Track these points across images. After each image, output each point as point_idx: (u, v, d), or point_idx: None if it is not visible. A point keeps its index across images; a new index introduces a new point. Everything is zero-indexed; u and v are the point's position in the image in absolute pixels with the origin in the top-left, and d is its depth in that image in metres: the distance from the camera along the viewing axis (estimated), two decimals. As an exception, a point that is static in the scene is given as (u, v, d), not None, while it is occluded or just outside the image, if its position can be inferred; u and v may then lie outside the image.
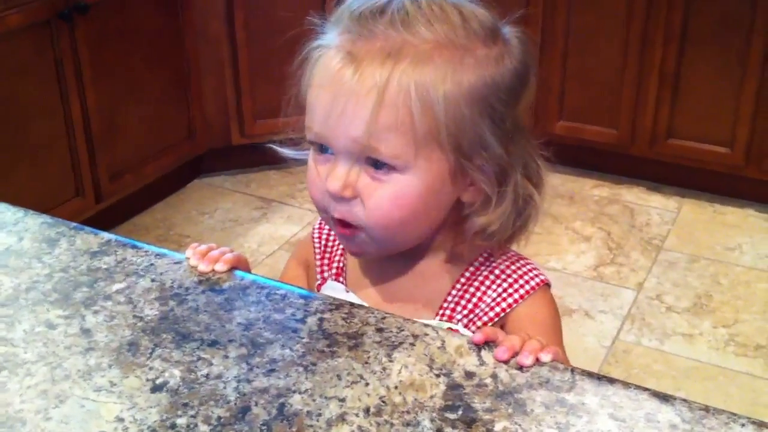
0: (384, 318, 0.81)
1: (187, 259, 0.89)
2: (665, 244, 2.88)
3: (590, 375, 0.74)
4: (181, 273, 0.88)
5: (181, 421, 0.69)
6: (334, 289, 0.98)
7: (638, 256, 2.81)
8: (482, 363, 0.75)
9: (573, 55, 3.09)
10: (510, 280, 0.93)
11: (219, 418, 0.69)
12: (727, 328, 2.48)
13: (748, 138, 2.92)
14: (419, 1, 0.84)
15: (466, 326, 0.93)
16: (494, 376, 0.74)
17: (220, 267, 0.88)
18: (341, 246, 1.00)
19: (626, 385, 0.72)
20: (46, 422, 0.69)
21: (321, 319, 0.81)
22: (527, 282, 0.92)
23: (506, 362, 0.75)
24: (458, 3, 0.85)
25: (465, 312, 0.93)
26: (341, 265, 1.00)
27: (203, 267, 0.88)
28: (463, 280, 0.94)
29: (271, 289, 0.86)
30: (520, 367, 0.75)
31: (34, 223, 0.97)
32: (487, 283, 0.93)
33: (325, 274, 1.01)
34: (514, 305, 0.92)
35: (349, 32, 0.84)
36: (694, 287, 2.66)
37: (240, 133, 3.18)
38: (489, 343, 0.78)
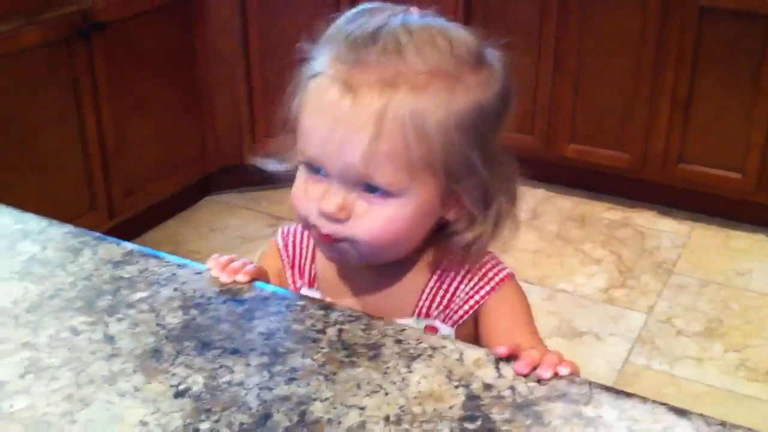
0: (402, 330, 0.82)
1: (209, 269, 0.91)
2: (676, 267, 2.88)
3: (608, 389, 0.74)
4: (203, 283, 0.89)
5: (204, 426, 0.70)
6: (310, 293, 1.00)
7: (649, 280, 2.82)
8: (500, 375, 0.76)
9: (585, 78, 3.11)
10: (480, 273, 0.96)
11: (241, 424, 0.70)
12: (738, 353, 2.47)
13: (759, 164, 2.93)
14: (409, 28, 0.85)
15: (443, 321, 0.97)
16: (512, 389, 0.75)
17: (241, 278, 0.89)
18: (310, 253, 1.02)
19: (643, 399, 0.73)
20: (71, 425, 0.70)
21: (340, 330, 0.82)
22: (496, 275, 0.96)
23: (526, 376, 0.76)
24: (445, 27, 0.88)
25: (441, 308, 0.97)
26: (313, 272, 1.02)
27: (225, 278, 0.89)
28: (435, 277, 0.97)
29: (291, 300, 0.87)
30: (538, 380, 0.75)
31: (57, 232, 0.98)
32: (459, 278, 0.96)
33: (298, 283, 1.03)
34: (486, 297, 0.96)
35: (343, 60, 0.85)
36: (704, 311, 2.66)
37: (252, 151, 3.20)
38: (508, 358, 0.79)
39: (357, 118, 0.83)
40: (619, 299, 2.72)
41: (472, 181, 0.89)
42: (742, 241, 3.03)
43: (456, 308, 0.96)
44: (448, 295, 0.97)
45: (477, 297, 0.96)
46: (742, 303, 2.70)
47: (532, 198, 3.23)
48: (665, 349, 2.49)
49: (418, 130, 0.84)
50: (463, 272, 0.96)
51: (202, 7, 2.98)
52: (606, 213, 3.21)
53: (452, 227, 0.92)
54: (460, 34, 0.88)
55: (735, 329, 2.58)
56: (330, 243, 0.90)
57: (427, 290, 0.97)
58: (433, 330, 0.96)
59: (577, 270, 2.87)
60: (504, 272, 0.97)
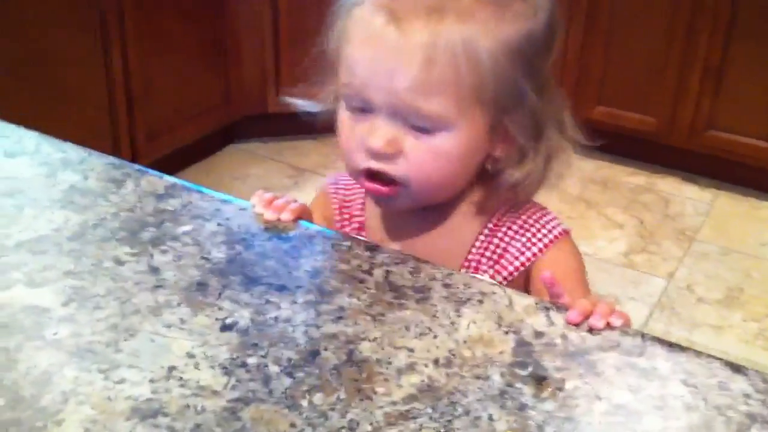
0: (450, 274, 0.81)
1: (253, 206, 0.89)
2: (698, 235, 2.86)
3: (661, 341, 0.73)
4: (247, 219, 0.88)
5: (252, 361, 0.69)
6: None
7: (670, 246, 2.80)
8: (551, 323, 0.75)
9: (616, 40, 3.06)
10: (533, 230, 0.94)
11: (289, 359, 0.69)
12: (757, 322, 2.46)
13: (789, 134, 2.89)
14: None
15: (492, 277, 0.94)
16: (564, 337, 0.73)
17: (285, 216, 0.87)
18: (359, 201, 1.01)
19: (698, 353, 0.72)
20: (116, 354, 0.69)
21: (387, 272, 0.81)
22: (550, 231, 0.94)
23: (578, 325, 0.74)
24: None
25: (490, 263, 0.94)
26: (361, 219, 1.00)
27: (269, 215, 0.88)
28: (486, 231, 0.95)
29: (336, 240, 0.86)
30: (590, 330, 0.74)
31: (99, 163, 0.97)
32: (510, 233, 0.94)
33: (347, 230, 1.01)
34: (539, 254, 0.93)
35: None
36: (725, 279, 2.64)
37: (276, 100, 3.18)
38: (557, 306, 0.77)
39: (405, 46, 0.81)
40: (640, 264, 2.71)
41: (522, 111, 0.87)
42: (767, 211, 3.00)
43: (507, 264, 0.94)
44: (500, 250, 0.94)
45: (529, 253, 0.93)
46: (763, 273, 2.68)
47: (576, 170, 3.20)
48: (684, 315, 2.48)
49: (468, 58, 0.82)
50: (516, 226, 0.94)
51: (231, -50, 2.95)
52: (629, 177, 3.18)
53: (500, 165, 0.90)
54: None
55: (755, 298, 2.56)
56: (380, 187, 0.88)
57: (478, 243, 0.95)
58: None
59: (598, 233, 2.85)
60: (559, 228, 0.94)
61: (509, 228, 0.94)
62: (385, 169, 0.86)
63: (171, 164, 3.02)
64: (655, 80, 3.04)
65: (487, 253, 0.95)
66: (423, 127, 0.84)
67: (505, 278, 0.94)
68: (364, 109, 0.87)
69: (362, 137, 0.87)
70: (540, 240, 0.93)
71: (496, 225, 0.95)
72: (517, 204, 0.95)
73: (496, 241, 0.94)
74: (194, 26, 2.92)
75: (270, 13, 3.07)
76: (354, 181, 0.98)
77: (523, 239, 0.94)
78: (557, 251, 0.93)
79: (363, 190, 0.99)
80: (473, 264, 0.95)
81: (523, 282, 0.94)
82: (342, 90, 0.88)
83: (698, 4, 2.88)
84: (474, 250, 0.95)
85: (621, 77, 3.11)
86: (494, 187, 0.92)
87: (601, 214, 2.96)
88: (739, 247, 2.81)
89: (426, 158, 0.85)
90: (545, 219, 0.95)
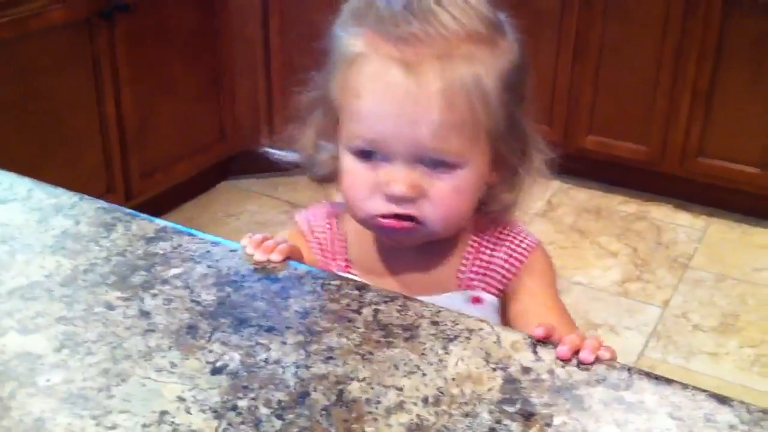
0: (438, 312, 0.82)
1: (243, 248, 0.90)
2: (692, 262, 2.87)
3: (648, 375, 0.74)
4: (237, 261, 0.89)
5: (243, 403, 0.69)
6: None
7: (665, 274, 2.81)
8: (538, 359, 0.76)
9: (606, 68, 3.09)
10: (511, 240, 0.99)
11: (279, 401, 0.70)
12: (754, 348, 2.47)
13: (779, 159, 2.91)
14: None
15: (484, 290, 0.98)
16: (551, 372, 0.74)
17: (275, 257, 0.88)
18: (339, 240, 1.02)
19: (684, 386, 0.72)
20: (108, 400, 0.70)
21: (376, 311, 0.82)
22: (523, 240, 0.99)
23: (568, 360, 0.75)
24: None
25: (479, 277, 0.98)
26: (346, 256, 1.02)
27: (259, 256, 0.89)
28: (470, 248, 0.99)
29: (325, 280, 0.87)
30: (577, 364, 0.75)
31: (90, 207, 0.98)
32: (491, 246, 0.99)
33: (333, 267, 1.02)
34: (519, 265, 0.98)
35: (386, 38, 0.86)
36: (720, 306, 2.65)
37: (270, 137, 3.20)
38: (544, 342, 0.78)
39: (424, 95, 0.84)
40: (635, 293, 2.71)
41: (514, 137, 0.91)
42: (760, 236, 3.02)
43: (494, 275, 0.98)
44: (485, 263, 0.98)
45: (511, 263, 0.98)
46: (758, 298, 2.69)
47: (547, 190, 3.22)
48: (680, 343, 2.48)
49: (479, 96, 0.86)
50: (494, 239, 0.98)
51: (223, -10, 2.98)
52: (622, 206, 3.20)
53: (495, 190, 0.94)
54: (481, 3, 0.90)
55: (751, 324, 2.57)
56: (401, 223, 0.90)
57: (465, 261, 0.98)
58: (478, 300, 0.96)
59: (592, 263, 2.86)
60: (532, 237, 0.99)
61: (488, 241, 0.99)
62: (410, 212, 0.89)
63: (165, 202, 3.04)
64: (645, 108, 3.07)
65: (474, 269, 0.99)
66: (443, 168, 0.88)
67: (498, 290, 0.98)
68: (372, 153, 0.89)
69: (379, 184, 0.89)
70: (518, 250, 0.98)
71: (475, 240, 0.99)
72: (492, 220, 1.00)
73: (481, 256, 0.99)
74: (188, 64, 2.95)
75: (263, 50, 3.10)
76: (327, 222, 1.02)
77: (504, 250, 0.98)
78: (533, 261, 0.98)
79: (342, 227, 1.01)
80: (465, 282, 0.98)
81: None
82: (353, 141, 0.90)
83: (687, 31, 2.91)
84: (463, 269, 0.98)
85: (612, 106, 3.13)
86: (486, 211, 0.96)
87: (595, 243, 2.97)
88: (732, 273, 2.82)
89: (447, 197, 0.89)
90: (518, 229, 1.00)
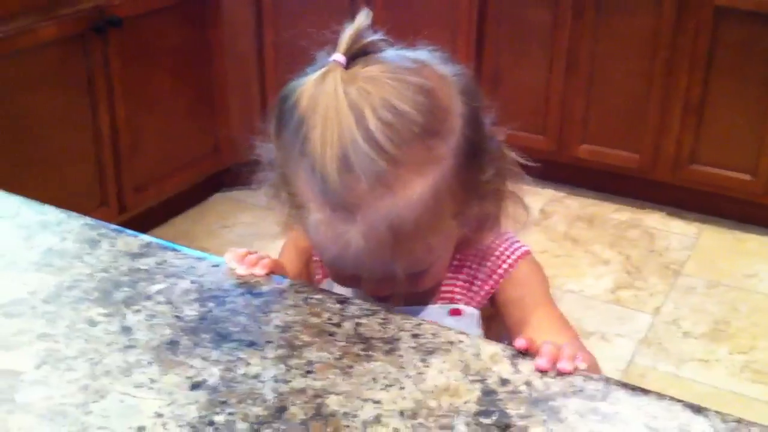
0: (419, 324, 0.82)
1: (226, 262, 0.91)
2: (684, 269, 2.88)
3: (624, 385, 0.74)
4: (220, 276, 0.89)
5: (220, 419, 0.70)
6: (333, 286, 1.00)
7: (656, 281, 2.81)
8: (516, 371, 0.76)
9: (598, 79, 3.10)
10: (497, 252, 0.99)
11: (257, 416, 0.70)
12: (744, 355, 2.47)
13: (770, 166, 2.92)
14: (364, 123, 0.78)
15: (467, 304, 0.99)
16: (528, 384, 0.75)
17: (258, 271, 0.89)
18: None
19: (660, 396, 0.73)
20: (86, 416, 0.70)
21: (357, 324, 0.82)
22: (513, 252, 0.99)
23: (547, 372, 0.76)
24: (393, 93, 0.80)
25: (464, 291, 0.99)
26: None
27: (242, 270, 0.90)
28: (455, 262, 0.99)
29: (307, 293, 0.87)
30: (555, 375, 0.75)
31: (76, 224, 0.99)
32: (477, 259, 0.99)
33: (320, 276, 1.04)
34: (505, 275, 0.98)
35: (329, 195, 0.81)
36: (711, 313, 2.66)
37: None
38: (522, 353, 0.79)
39: (372, 241, 0.81)
40: (627, 300, 2.72)
41: (486, 194, 0.90)
42: (752, 243, 3.03)
43: (477, 289, 0.98)
44: (469, 277, 0.99)
45: (496, 276, 0.98)
46: (749, 305, 2.70)
47: (540, 199, 3.23)
48: (671, 350, 2.49)
49: (443, 196, 0.83)
50: (480, 251, 0.98)
51: (217, 6, 2.99)
52: (615, 214, 3.21)
53: (473, 234, 0.93)
54: (409, 96, 0.80)
55: (741, 331, 2.58)
56: (374, 295, 0.92)
57: (450, 274, 0.99)
58: (458, 313, 0.97)
59: (585, 271, 2.87)
60: (521, 249, 0.99)
61: (474, 255, 0.99)
62: (385, 294, 0.90)
63: (159, 215, 3.05)
64: (637, 118, 3.08)
65: (459, 282, 0.99)
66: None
67: (479, 303, 0.99)
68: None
69: (357, 271, 0.88)
70: (504, 262, 0.98)
71: (461, 255, 0.99)
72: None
73: (465, 269, 0.99)
74: (182, 79, 2.96)
75: (256, 65, 3.12)
76: None
77: (489, 263, 0.98)
78: (521, 271, 0.98)
79: None
80: (448, 296, 0.99)
81: (490, 304, 0.99)
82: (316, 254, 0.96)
83: (678, 43, 2.92)
84: (447, 281, 0.99)
85: (604, 116, 3.14)
86: (467, 244, 0.95)
87: (588, 251, 2.98)
88: (724, 280, 2.82)
89: (427, 280, 0.91)
90: (506, 239, 0.99)
